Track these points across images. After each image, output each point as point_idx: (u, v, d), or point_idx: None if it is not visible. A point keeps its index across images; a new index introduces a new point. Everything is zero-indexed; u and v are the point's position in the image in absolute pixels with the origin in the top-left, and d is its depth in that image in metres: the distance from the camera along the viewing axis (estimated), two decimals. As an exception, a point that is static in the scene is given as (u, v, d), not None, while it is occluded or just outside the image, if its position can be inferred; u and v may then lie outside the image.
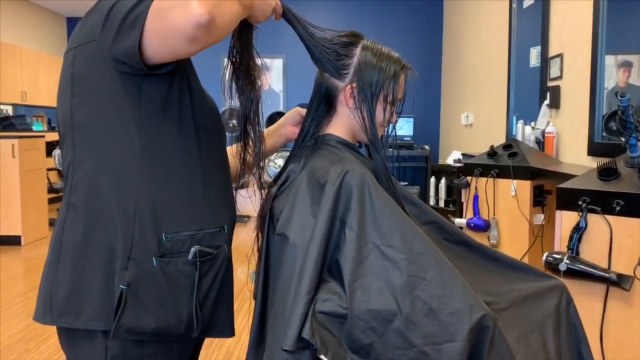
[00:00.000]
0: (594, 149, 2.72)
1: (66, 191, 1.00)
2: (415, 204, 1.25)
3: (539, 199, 2.65)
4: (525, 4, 3.77)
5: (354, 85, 1.16)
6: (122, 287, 0.93)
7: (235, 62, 1.11)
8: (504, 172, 2.71)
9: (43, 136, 5.47)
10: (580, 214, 1.63)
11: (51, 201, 5.70)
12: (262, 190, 1.20)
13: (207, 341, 2.78)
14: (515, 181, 2.65)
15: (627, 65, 2.60)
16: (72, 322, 0.95)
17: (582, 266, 1.60)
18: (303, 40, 1.15)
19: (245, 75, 1.11)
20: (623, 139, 1.65)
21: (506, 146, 2.89)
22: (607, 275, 1.56)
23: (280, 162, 5.47)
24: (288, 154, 1.26)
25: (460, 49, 5.62)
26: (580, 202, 1.64)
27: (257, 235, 1.21)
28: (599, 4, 2.69)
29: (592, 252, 1.62)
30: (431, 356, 0.94)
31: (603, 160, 1.72)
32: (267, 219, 1.17)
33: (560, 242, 1.70)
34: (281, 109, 6.51)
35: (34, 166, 5.09)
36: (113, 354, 0.96)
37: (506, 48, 4.11)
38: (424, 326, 0.95)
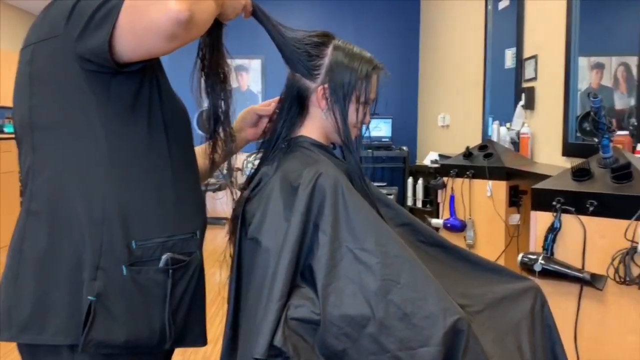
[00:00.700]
0: (568, 150, 2.75)
1: (25, 197, 0.95)
2: (389, 205, 1.24)
3: (514, 199, 2.67)
4: (501, 6, 3.81)
5: (326, 86, 1.14)
6: (90, 298, 0.89)
7: (205, 61, 1.08)
8: (479, 173, 2.72)
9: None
10: (555, 214, 1.64)
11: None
12: (233, 192, 1.17)
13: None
14: (490, 182, 2.66)
15: (600, 67, 2.64)
16: (35, 338, 0.90)
17: (556, 266, 1.61)
18: (274, 40, 1.13)
19: (215, 74, 1.08)
20: (596, 140, 1.66)
21: (482, 147, 2.91)
22: (581, 275, 1.57)
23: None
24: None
25: (437, 50, 5.65)
26: (554, 203, 1.64)
27: (230, 239, 1.19)
28: (571, 7, 2.72)
29: (567, 252, 1.63)
30: None
31: (577, 161, 1.73)
32: (239, 222, 1.14)
33: (536, 242, 1.71)
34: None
35: (7, 169, 4.97)
36: None
37: (482, 49, 4.14)
38: (397, 331, 0.94)
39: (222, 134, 1.12)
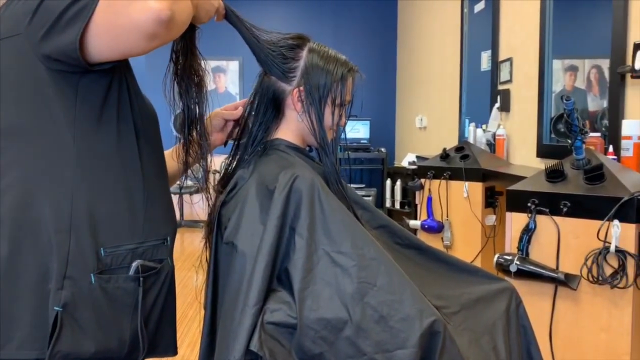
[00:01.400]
0: (542, 151, 2.79)
1: None
2: (366, 208, 1.24)
3: (490, 200, 2.70)
4: (476, 9, 3.85)
5: (302, 88, 1.14)
6: (56, 309, 0.85)
7: (179, 64, 1.06)
8: (456, 174, 2.75)
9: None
10: (530, 215, 1.66)
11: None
12: (209, 196, 1.15)
13: (160, 351, 2.70)
14: (467, 183, 2.69)
15: (573, 69, 2.68)
16: (11, 353, 0.85)
17: (531, 267, 1.63)
18: (247, 43, 1.12)
19: (190, 78, 1.06)
20: (569, 141, 1.69)
21: (458, 148, 2.93)
22: (555, 275, 1.59)
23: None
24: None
25: (414, 52, 5.69)
26: (529, 204, 1.67)
27: (206, 243, 1.17)
28: (545, 10, 2.76)
29: (541, 252, 1.65)
30: None
31: (551, 162, 1.75)
32: (215, 226, 1.13)
33: (511, 243, 1.73)
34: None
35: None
36: None
37: (458, 52, 4.18)
38: (374, 333, 0.94)
39: (196, 138, 1.09)
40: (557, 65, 2.77)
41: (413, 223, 2.94)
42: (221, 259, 1.10)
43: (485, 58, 3.65)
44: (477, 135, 3.34)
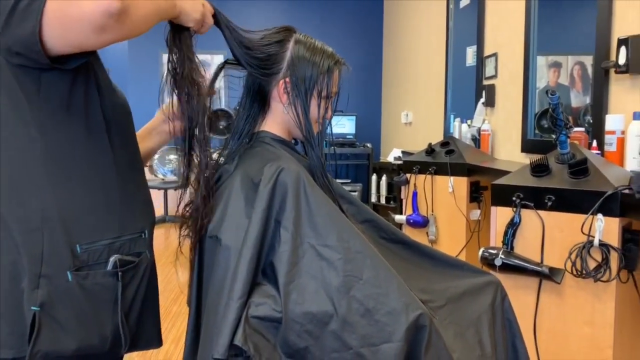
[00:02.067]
0: (527, 146, 2.81)
1: None
2: (351, 202, 1.23)
3: (475, 195, 2.71)
4: (462, 4, 3.86)
5: (287, 80, 1.12)
6: (34, 308, 0.83)
7: (177, 74, 1.01)
8: (441, 169, 2.75)
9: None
10: (514, 209, 1.67)
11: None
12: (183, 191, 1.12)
13: (144, 347, 2.67)
14: (452, 178, 2.70)
15: (557, 65, 2.70)
16: None
17: (516, 261, 1.64)
18: (231, 49, 1.10)
19: (189, 85, 1.02)
20: (554, 136, 1.69)
21: (443, 144, 2.94)
22: (540, 269, 1.60)
23: (172, 156, 5.30)
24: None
25: (400, 48, 5.69)
26: (514, 198, 1.67)
27: (179, 238, 1.15)
28: (530, 6, 2.77)
29: (526, 246, 1.66)
30: (368, 358, 0.93)
31: (536, 157, 1.76)
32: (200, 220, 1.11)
33: (496, 237, 1.73)
34: (222, 106, 6.38)
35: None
36: None
37: (444, 47, 4.19)
38: (360, 327, 0.94)
39: (196, 151, 1.05)
40: (541, 61, 2.78)
41: (398, 218, 2.95)
42: (205, 253, 1.08)
43: (470, 53, 3.66)
44: (462, 131, 3.35)
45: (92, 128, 0.92)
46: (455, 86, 4.09)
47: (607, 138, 1.95)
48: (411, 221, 2.86)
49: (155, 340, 1.04)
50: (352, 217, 1.19)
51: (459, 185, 2.69)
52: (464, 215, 2.67)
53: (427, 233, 2.82)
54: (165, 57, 1.06)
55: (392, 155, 4.98)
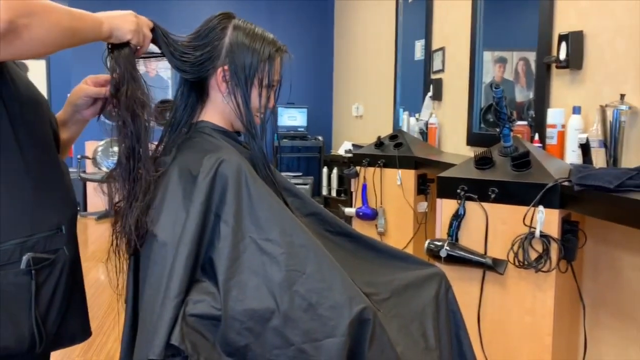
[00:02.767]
0: (472, 139, 2.86)
1: None
2: (296, 195, 1.21)
3: (422, 188, 2.74)
4: (411, -2, 3.88)
5: (226, 67, 1.08)
6: None
7: (120, 95, 0.96)
8: (390, 162, 2.77)
9: None
10: (459, 201, 1.69)
11: None
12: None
13: (84, 346, 2.58)
14: (400, 171, 2.72)
15: (503, 61, 2.75)
16: None
17: (461, 252, 1.66)
18: (168, 61, 1.07)
19: (134, 105, 0.97)
20: (498, 130, 1.72)
21: (392, 137, 2.96)
22: (484, 260, 1.63)
23: (116, 148, 5.21)
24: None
25: (350, 40, 5.70)
26: (458, 190, 1.69)
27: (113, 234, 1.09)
28: (476, 2, 2.81)
29: (470, 238, 1.68)
30: (310, 353, 0.91)
31: (480, 150, 1.79)
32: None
33: (441, 229, 1.75)
34: (169, 96, 6.22)
35: None
36: None
37: (393, 41, 4.21)
38: (302, 322, 0.92)
39: (143, 171, 1.01)
40: (487, 56, 2.83)
41: (348, 210, 2.95)
42: (141, 249, 1.03)
43: (419, 47, 3.70)
44: (410, 124, 3.39)
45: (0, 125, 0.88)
46: (404, 80, 4.12)
47: (549, 132, 2.00)
48: (360, 214, 2.87)
49: (79, 336, 1.02)
50: (296, 210, 1.16)
51: (406, 177, 2.71)
52: (412, 207, 2.70)
53: (376, 225, 2.83)
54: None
55: (343, 148, 4.99)
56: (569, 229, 1.59)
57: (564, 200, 1.54)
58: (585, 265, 1.85)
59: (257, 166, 1.08)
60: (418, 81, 3.64)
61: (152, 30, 1.03)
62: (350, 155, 4.10)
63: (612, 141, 1.71)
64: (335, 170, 5.20)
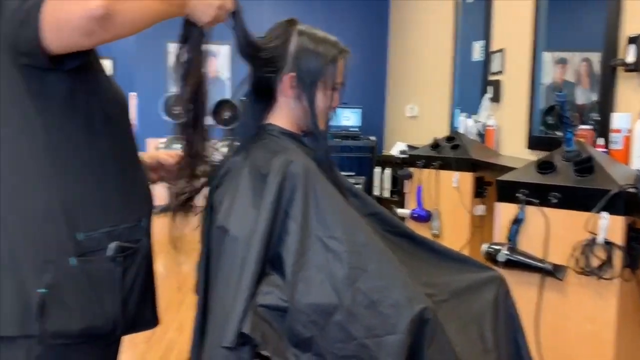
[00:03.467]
0: (532, 142, 2.81)
1: None
2: (357, 195, 1.24)
3: (479, 191, 2.71)
4: (470, -1, 3.84)
5: (293, 74, 1.13)
6: (40, 291, 0.88)
7: (186, 64, 1.04)
8: (446, 164, 2.76)
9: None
10: (519, 206, 1.67)
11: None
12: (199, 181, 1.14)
13: (147, 334, 2.70)
14: (457, 173, 2.70)
15: (563, 62, 2.69)
16: None
17: (519, 257, 1.65)
18: (240, 50, 1.11)
19: (197, 75, 1.05)
20: (559, 134, 1.70)
21: (449, 138, 2.94)
22: (543, 265, 1.61)
23: (177, 145, 5.35)
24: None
25: (406, 40, 5.67)
26: (518, 195, 1.68)
27: (199, 227, 1.17)
28: (539, 3, 2.76)
29: (530, 243, 1.67)
30: (371, 349, 0.94)
31: (541, 154, 1.77)
32: (208, 210, 1.12)
33: (500, 233, 1.74)
34: (227, 96, 6.36)
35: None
36: None
37: (451, 41, 4.17)
38: (364, 318, 0.95)
39: (199, 137, 1.09)
40: (548, 57, 2.77)
41: (401, 212, 2.95)
42: (213, 243, 1.10)
43: (477, 48, 3.65)
44: (467, 125, 3.35)
45: (92, 123, 0.96)
46: (461, 80, 4.08)
47: (613, 136, 1.95)
48: (415, 215, 2.87)
49: (152, 322, 1.08)
50: (357, 210, 1.19)
51: (463, 180, 2.69)
52: (468, 210, 2.68)
53: (430, 227, 2.83)
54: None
55: (396, 148, 4.98)
56: (634, 237, 1.55)
57: (629, 207, 1.50)
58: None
59: (321, 167, 1.12)
60: (475, 82, 3.60)
61: (234, 14, 1.07)
62: (404, 156, 4.09)
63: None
64: (387, 171, 5.19)
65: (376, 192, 5.40)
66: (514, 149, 3.00)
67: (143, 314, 1.04)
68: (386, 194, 5.22)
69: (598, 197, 1.52)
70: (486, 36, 3.44)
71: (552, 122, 2.56)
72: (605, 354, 1.56)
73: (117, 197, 0.99)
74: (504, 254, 1.64)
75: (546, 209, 1.63)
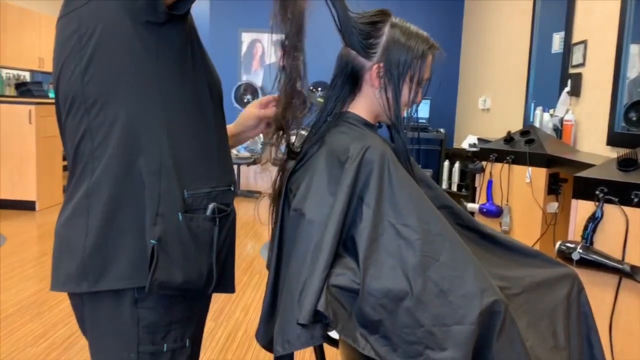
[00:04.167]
0: (613, 139, 2.69)
1: (80, 160, 0.97)
2: (430, 186, 1.24)
3: (553, 187, 2.63)
4: (551, -12, 3.69)
5: (381, 65, 1.14)
6: (152, 242, 0.94)
7: (286, 39, 1.06)
8: (519, 159, 2.69)
9: (60, 103, 5.47)
10: (597, 203, 1.62)
11: (66, 168, 5.75)
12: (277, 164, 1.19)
13: (216, 313, 2.82)
14: (530, 168, 2.63)
15: (651, 54, 2.55)
16: (109, 284, 0.95)
17: (595, 256, 1.59)
18: (337, 14, 1.11)
19: (294, 50, 1.06)
20: (645, 130, 1.62)
21: (523, 132, 2.86)
22: (621, 266, 1.55)
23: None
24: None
25: (481, 32, 5.53)
26: (597, 192, 1.62)
27: (272, 209, 1.21)
28: (627, -9, 2.62)
29: (607, 242, 1.61)
30: (438, 337, 0.95)
31: (622, 151, 1.69)
32: (283, 194, 1.17)
33: (575, 231, 1.69)
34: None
35: (50, 133, 5.11)
36: (145, 323, 0.98)
37: (528, 32, 4.04)
38: (433, 307, 0.96)
39: (298, 103, 1.12)
40: (634, 50, 2.63)
41: (471, 206, 2.91)
42: (287, 225, 1.14)
43: (557, 40, 3.52)
44: (543, 120, 3.24)
45: (199, 85, 1.03)
46: (537, 73, 3.94)
47: None
48: (484, 210, 2.82)
49: (231, 286, 1.14)
50: (430, 200, 1.20)
51: (537, 176, 2.61)
52: (541, 207, 2.60)
53: (500, 223, 2.77)
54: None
55: (466, 141, 4.88)
56: None
57: None
58: None
59: (398, 158, 1.13)
60: (553, 75, 3.47)
61: None
62: (475, 149, 4.00)
63: None
64: (457, 164, 5.10)
65: (444, 185, 5.33)
66: (593, 146, 2.88)
67: (227, 275, 1.11)
68: (454, 187, 5.14)
69: (685, 197, 1.45)
70: (567, 27, 3.30)
71: (634, 118, 2.45)
72: (685, 361, 1.49)
73: (216, 163, 1.05)
74: (578, 252, 1.60)
75: (626, 208, 1.57)
